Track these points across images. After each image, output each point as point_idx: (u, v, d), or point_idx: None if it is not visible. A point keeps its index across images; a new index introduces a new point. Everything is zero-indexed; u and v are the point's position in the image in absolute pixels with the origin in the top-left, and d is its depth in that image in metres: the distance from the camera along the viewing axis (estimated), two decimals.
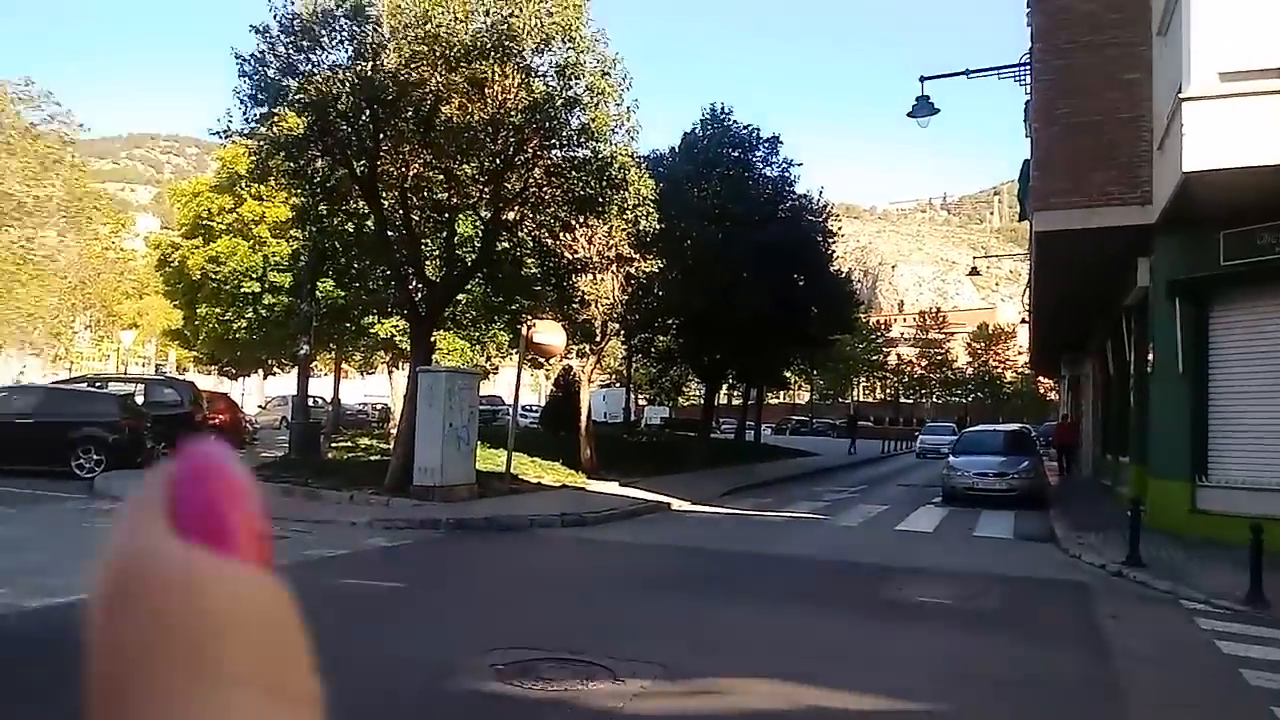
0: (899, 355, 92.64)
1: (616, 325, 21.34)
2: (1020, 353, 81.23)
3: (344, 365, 35.08)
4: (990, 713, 5.29)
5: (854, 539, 13.31)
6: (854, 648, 6.85)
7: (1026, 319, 33.99)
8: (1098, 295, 18.60)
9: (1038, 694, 5.74)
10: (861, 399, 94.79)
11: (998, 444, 20.27)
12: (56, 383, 24.24)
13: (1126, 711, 5.37)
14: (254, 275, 28.17)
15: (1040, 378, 68.11)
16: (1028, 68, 16.85)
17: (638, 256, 19.10)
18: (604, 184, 15.46)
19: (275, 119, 14.45)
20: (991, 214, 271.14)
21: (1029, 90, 16.73)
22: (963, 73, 18.86)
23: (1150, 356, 13.93)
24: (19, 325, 28.62)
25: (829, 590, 9.32)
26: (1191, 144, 10.76)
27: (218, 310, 29.44)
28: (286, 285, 27.70)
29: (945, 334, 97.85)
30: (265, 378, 41.78)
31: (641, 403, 57.70)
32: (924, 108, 17.56)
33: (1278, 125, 10.37)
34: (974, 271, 48.30)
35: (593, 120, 14.89)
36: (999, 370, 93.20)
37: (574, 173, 15.47)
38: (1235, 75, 10.84)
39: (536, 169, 15.25)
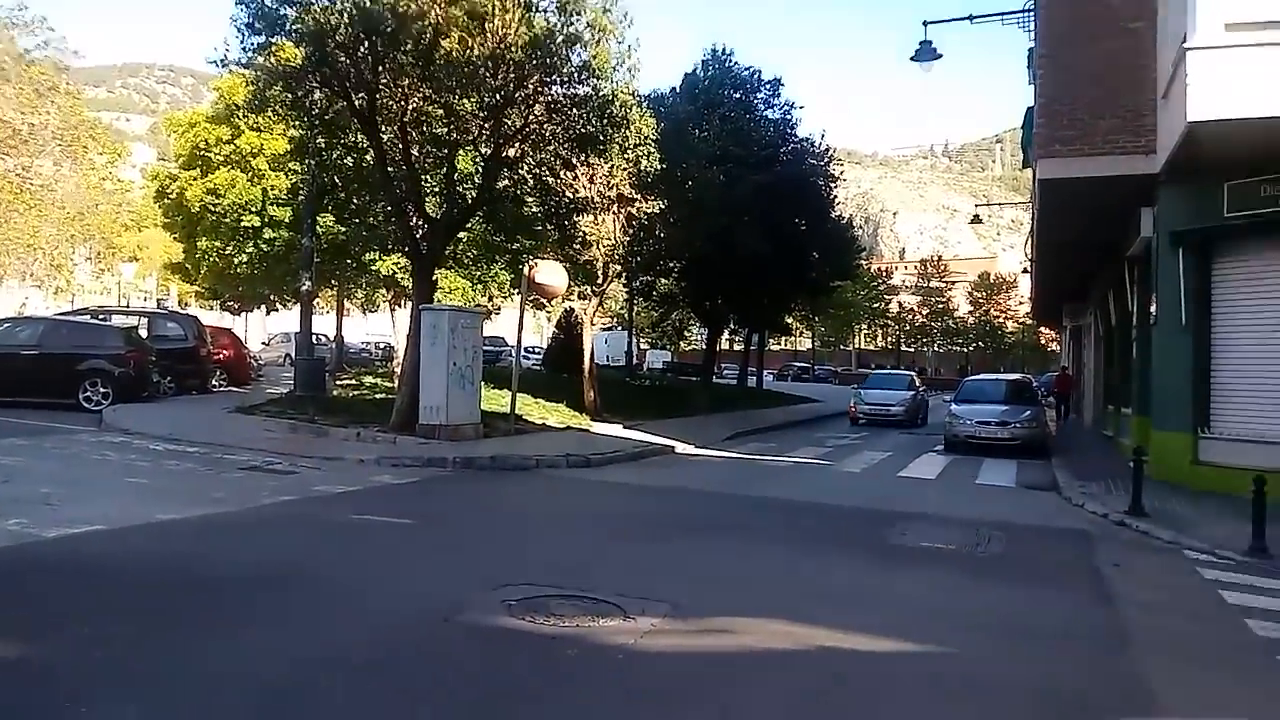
0: (900, 303, 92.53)
1: (618, 267, 21.23)
2: (1022, 302, 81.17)
3: (346, 302, 34.99)
4: (992, 655, 5.35)
5: (857, 484, 13.39)
6: (858, 590, 6.92)
7: (1028, 268, 33.95)
8: (1100, 245, 18.49)
9: (1040, 638, 5.81)
10: (863, 347, 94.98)
11: (1000, 393, 20.38)
12: (60, 314, 24.15)
13: (1130, 657, 5.44)
14: (253, 209, 27.95)
15: (1042, 328, 68.18)
16: (1032, 13, 16.58)
17: (639, 197, 18.92)
18: (605, 122, 15.32)
19: (273, 49, 14.23)
20: (994, 161, 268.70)
21: (1033, 36, 16.48)
22: (966, 17, 18.57)
23: (1153, 308, 13.89)
24: (18, 256, 28.45)
25: (833, 534, 9.39)
26: (1196, 94, 10.61)
27: (218, 244, 29.27)
28: (286, 220, 27.52)
29: (947, 283, 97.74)
30: (268, 314, 41.73)
31: (644, 346, 57.83)
32: (927, 52, 17.34)
33: None
34: (976, 220, 48.09)
35: (594, 57, 14.69)
36: (1000, 320, 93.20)
37: (574, 110, 15.31)
38: (1241, 25, 10.65)
39: (537, 105, 15.07)
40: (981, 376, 28.35)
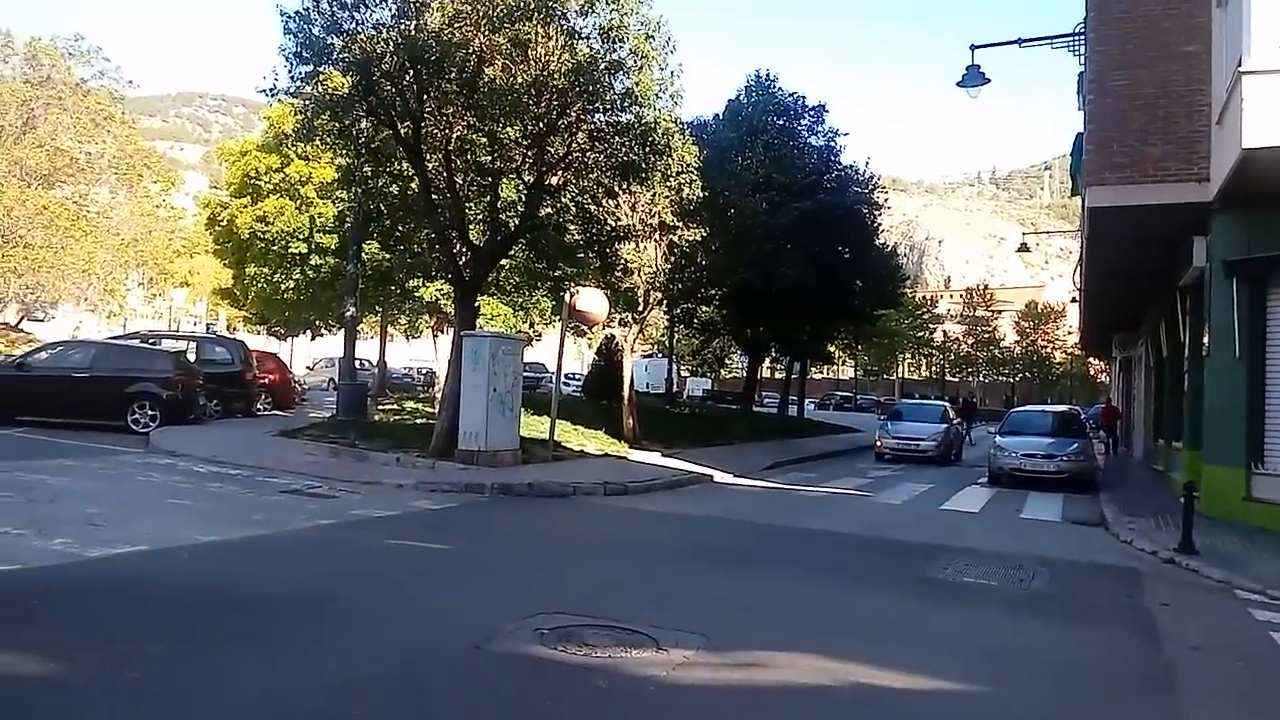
0: (945, 332, 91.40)
1: (659, 294, 21.25)
2: (1070, 332, 79.68)
3: (389, 328, 35.42)
4: (1035, 697, 5.19)
5: (898, 517, 13.18)
6: (897, 626, 6.77)
7: (1077, 298, 33.39)
8: (1151, 274, 18.14)
9: (1085, 680, 5.63)
10: (907, 376, 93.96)
11: (1046, 425, 20.01)
12: (111, 338, 24.73)
13: (1178, 702, 5.25)
14: (301, 236, 28.48)
15: (1091, 359, 66.95)
16: (1082, 37, 16.38)
17: (681, 225, 18.96)
18: (647, 150, 15.33)
19: (320, 78, 14.49)
20: (1042, 189, 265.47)
21: (1083, 61, 16.27)
22: (1014, 41, 18.36)
23: (1205, 339, 13.56)
24: (74, 281, 29.19)
25: (873, 567, 9.24)
26: (1251, 119, 10.40)
27: (266, 270, 29.83)
28: (332, 247, 27.99)
29: (993, 311, 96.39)
30: (313, 339, 42.37)
31: (684, 374, 57.72)
32: (975, 77, 17.13)
33: None
34: (1023, 248, 47.24)
35: (636, 84, 14.76)
36: (1048, 350, 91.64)
37: (617, 138, 15.38)
38: None
39: (580, 133, 15.18)
40: (1027, 408, 27.85)
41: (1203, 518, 11.19)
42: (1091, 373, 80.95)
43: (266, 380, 24.02)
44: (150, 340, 21.81)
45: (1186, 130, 13.14)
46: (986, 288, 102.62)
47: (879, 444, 24.02)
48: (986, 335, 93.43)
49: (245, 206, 29.74)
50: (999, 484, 18.01)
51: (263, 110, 33.71)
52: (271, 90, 14.73)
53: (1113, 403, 35.62)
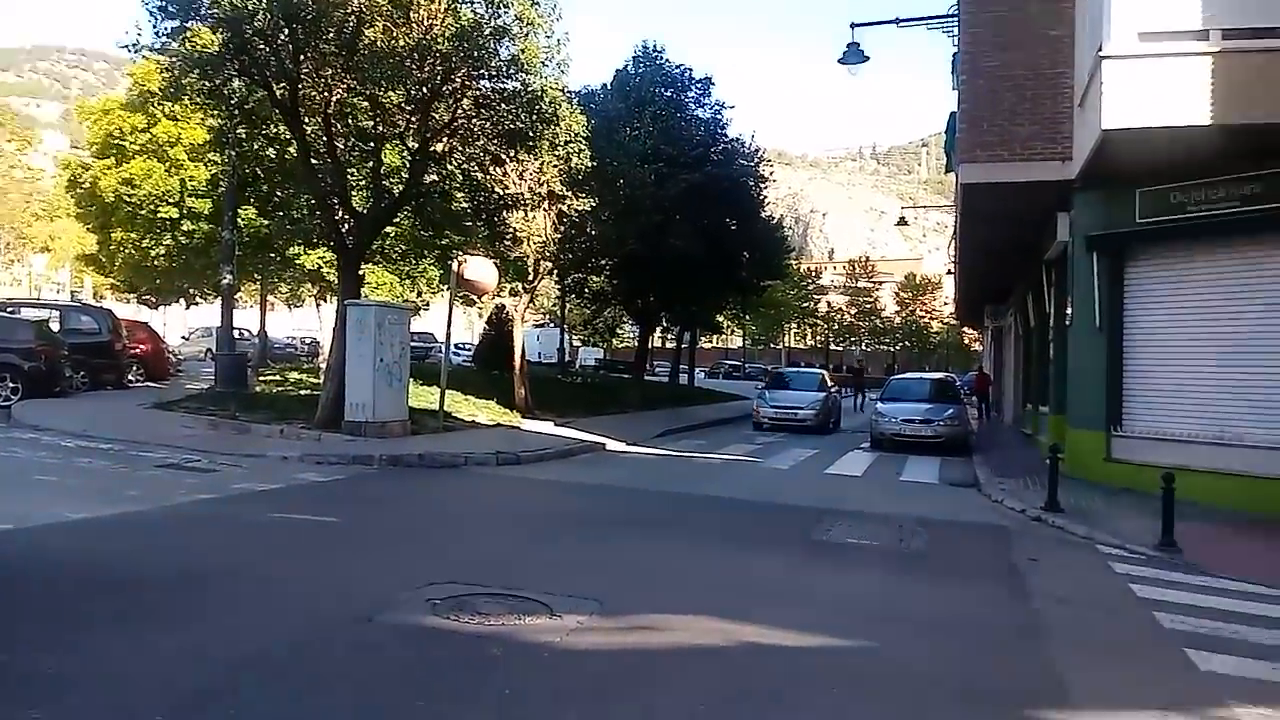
0: (829, 303, 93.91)
1: (549, 264, 21.13)
2: (946, 303, 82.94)
3: (270, 297, 34.20)
4: (914, 649, 5.45)
5: (785, 481, 13.54)
6: (785, 586, 6.99)
7: (952, 270, 34.71)
8: (1020, 248, 19.01)
9: (959, 632, 5.94)
10: (793, 345, 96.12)
11: (924, 392, 20.80)
12: None
13: (1045, 650, 5.59)
14: (171, 200, 27.06)
15: (965, 328, 69.78)
16: (956, 19, 16.93)
17: (570, 194, 18.85)
18: (534, 118, 15.17)
19: (188, 34, 13.79)
20: (920, 165, 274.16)
21: (957, 42, 16.84)
22: (893, 21, 18.89)
23: (1069, 309, 14.33)
24: None
25: (762, 530, 9.48)
26: (1110, 102, 10.96)
27: (134, 236, 28.29)
28: (206, 212, 26.73)
29: (874, 283, 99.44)
30: (188, 307, 40.56)
31: (576, 343, 57.64)
32: (855, 55, 17.54)
33: (1193, 86, 10.60)
34: (902, 222, 48.90)
35: (522, 51, 14.59)
36: (926, 320, 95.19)
37: (503, 105, 15.19)
38: (1154, 35, 11.05)
39: (465, 99, 14.93)
40: (907, 375, 28.86)
41: (1067, 478, 11.88)
42: (966, 342, 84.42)
43: (138, 351, 22.91)
44: (9, 309, 20.48)
45: (1052, 111, 13.76)
46: (868, 260, 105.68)
47: (757, 413, 23.13)
48: (868, 306, 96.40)
49: (109, 168, 28.03)
50: (880, 448, 18.67)
51: (126, 66, 31.83)
52: (135, 46, 13.95)
53: (985, 370, 37.27)
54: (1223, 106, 10.50)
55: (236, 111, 15.69)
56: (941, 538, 9.33)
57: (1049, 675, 5.10)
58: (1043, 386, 18.98)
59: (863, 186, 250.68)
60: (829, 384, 25.71)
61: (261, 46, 13.44)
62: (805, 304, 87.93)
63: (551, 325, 48.94)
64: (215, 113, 16.89)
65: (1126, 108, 10.90)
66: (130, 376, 21.88)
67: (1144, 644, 5.91)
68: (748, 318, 57.40)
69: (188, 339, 40.92)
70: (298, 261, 24.64)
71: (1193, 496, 10.53)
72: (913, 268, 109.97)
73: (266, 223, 23.76)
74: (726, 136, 28.96)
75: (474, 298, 28.98)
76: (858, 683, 4.84)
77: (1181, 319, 12.67)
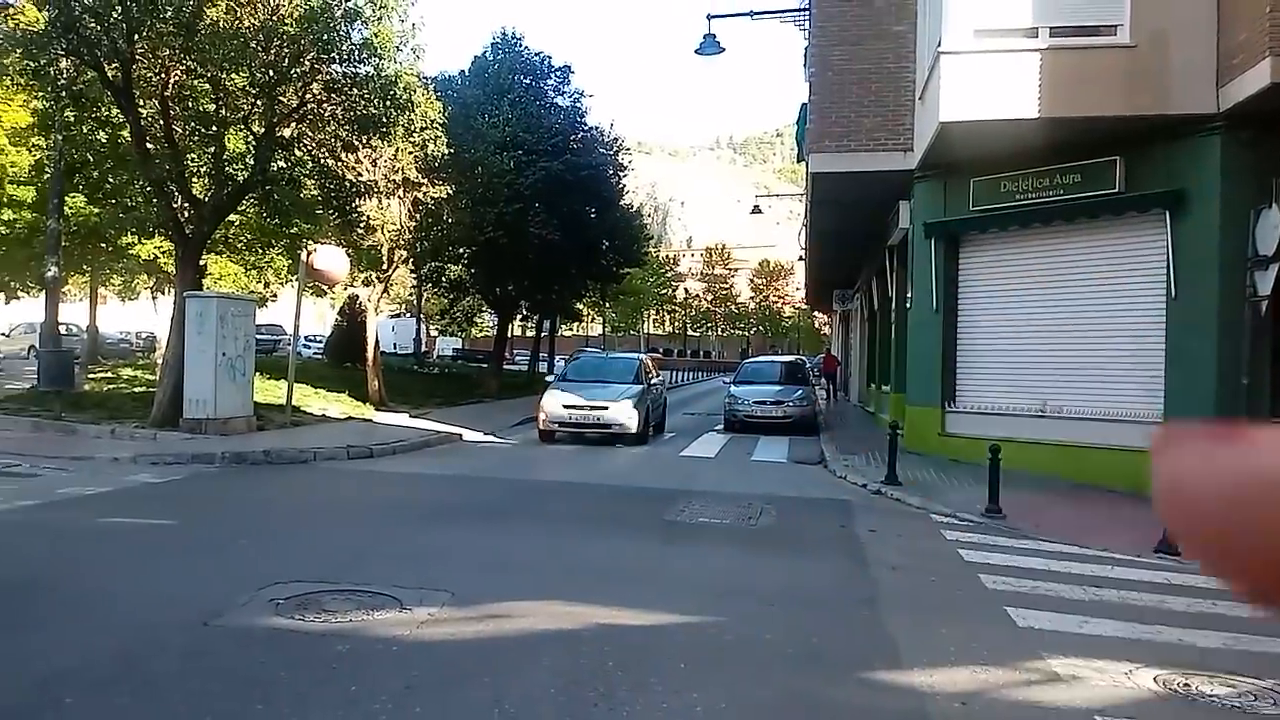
0: (687, 289, 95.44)
1: (405, 253, 20.70)
2: (798, 289, 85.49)
3: (101, 290, 32.10)
4: (757, 621, 5.66)
5: (640, 465, 13.73)
6: (637, 568, 7.12)
7: (803, 256, 35.84)
8: (866, 235, 19.83)
9: (803, 602, 6.20)
10: (652, 331, 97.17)
11: (775, 374, 21.41)
12: None
13: (878, 615, 5.90)
14: None
15: (816, 313, 72.22)
16: (808, 14, 17.48)
17: (426, 182, 18.50)
18: (388, 103, 14.81)
19: (10, 10, 12.82)
20: (774, 154, 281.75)
21: (808, 36, 17.39)
22: (747, 14, 19.31)
23: (909, 293, 15.06)
24: None
25: (615, 514, 9.60)
26: (947, 96, 11.58)
27: None
28: (29, 200, 24.86)
29: (730, 270, 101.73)
30: (7, 302, 37.62)
31: (433, 334, 56.59)
32: (710, 45, 17.86)
33: (1023, 81, 11.30)
34: (756, 210, 50.11)
35: (375, 35, 14.26)
36: (779, 305, 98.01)
37: (355, 90, 14.75)
38: (989, 32, 11.72)
39: (315, 84, 14.42)
40: (759, 359, 29.64)
41: (906, 453, 12.55)
42: (817, 325, 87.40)
43: None
44: None
45: (895, 104, 14.40)
46: (724, 247, 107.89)
47: (542, 418, 16.52)
48: (724, 292, 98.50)
49: None
50: (734, 430, 19.14)
51: None
52: None
53: (833, 353, 38.71)
54: (1050, 101, 11.22)
55: (64, 93, 14.65)
56: (788, 513, 9.68)
57: (883, 638, 5.39)
58: (885, 367, 19.88)
59: (719, 176, 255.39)
60: (650, 374, 19.08)
61: (92, 24, 12.61)
62: (664, 291, 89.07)
63: (407, 315, 47.88)
64: (40, 94, 15.74)
65: (963, 101, 11.52)
66: None
67: (970, 604, 6.31)
68: (607, 305, 57.71)
69: (8, 335, 38.05)
70: (132, 252, 23.22)
71: (1019, 466, 11.31)
72: (767, 254, 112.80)
73: (97, 211, 22.29)
74: (586, 125, 29.02)
75: (325, 288, 28.08)
76: (705, 655, 4.99)
77: (1008, 301, 13.53)
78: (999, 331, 13.61)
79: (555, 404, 16.40)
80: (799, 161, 27.51)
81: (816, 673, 4.86)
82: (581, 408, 16.17)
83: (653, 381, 18.93)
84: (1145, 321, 11.65)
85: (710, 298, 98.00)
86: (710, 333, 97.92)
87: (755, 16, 19.47)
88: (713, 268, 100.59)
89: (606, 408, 16.10)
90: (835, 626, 5.71)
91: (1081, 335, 12.47)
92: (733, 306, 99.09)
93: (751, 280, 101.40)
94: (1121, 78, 11.03)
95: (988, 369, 13.70)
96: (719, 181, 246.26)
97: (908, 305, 15.26)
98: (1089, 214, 12.21)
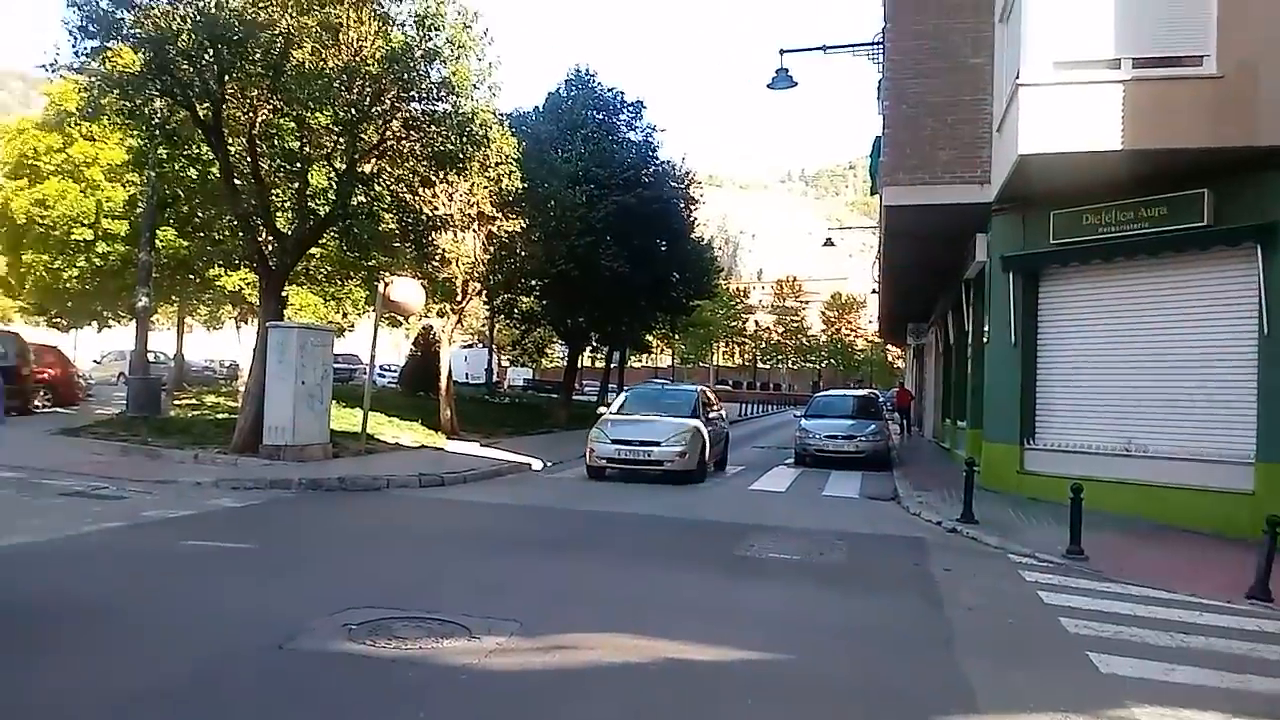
0: (757, 322, 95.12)
1: (478, 285, 21.05)
2: (871, 322, 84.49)
3: (188, 319, 33.32)
4: (828, 660, 5.54)
5: (709, 499, 13.63)
6: (705, 602, 7.04)
7: (877, 289, 35.47)
8: (941, 268, 19.54)
9: (875, 642, 6.06)
10: (721, 363, 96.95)
11: (847, 408, 21.12)
12: None
13: (955, 657, 5.73)
14: (85, 221, 26.31)
15: (889, 346, 71.25)
16: (881, 46, 17.41)
17: (500, 215, 18.84)
18: (465, 140, 15.16)
19: (109, 54, 13.50)
20: (846, 187, 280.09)
21: (882, 69, 17.30)
22: (820, 48, 19.28)
23: (986, 327, 14.76)
24: None
25: (684, 548, 9.53)
26: (1026, 128, 11.38)
27: (45, 258, 27.41)
28: (122, 233, 26.06)
29: (801, 302, 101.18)
30: (100, 330, 39.29)
31: (504, 364, 57.32)
32: (783, 80, 17.88)
33: (1104, 113, 11.05)
34: (829, 243, 49.85)
35: (453, 74, 14.64)
36: (851, 338, 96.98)
37: (433, 127, 15.14)
38: (1068, 64, 11.51)
39: (394, 121, 14.85)
40: (831, 392, 29.29)
41: (983, 490, 12.22)
42: (889, 359, 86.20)
43: (46, 375, 22.09)
44: None
45: (971, 136, 14.23)
46: (795, 280, 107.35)
47: (592, 452, 15.33)
48: (795, 324, 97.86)
49: (21, 189, 27.17)
50: (804, 464, 18.90)
51: (42, 86, 30.84)
52: (53, 66, 13.58)
53: (906, 387, 38.09)
54: (1132, 132, 10.95)
55: (157, 131, 15.35)
56: (860, 550, 9.49)
57: (958, 680, 5.23)
58: (961, 402, 19.47)
59: (791, 208, 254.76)
60: (713, 406, 18.24)
61: (185, 67, 13.19)
62: (734, 323, 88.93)
63: (480, 346, 48.60)
64: (135, 133, 16.51)
65: (1042, 133, 11.31)
66: (37, 402, 21.11)
67: (1049, 648, 6.09)
68: (677, 337, 57.78)
69: (100, 363, 39.65)
70: (218, 283, 24.10)
71: (1101, 506, 10.93)
72: (838, 287, 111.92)
73: (186, 244, 23.25)
74: (657, 159, 29.29)
75: (400, 319, 28.68)
76: (773, 692, 4.90)
77: (1090, 336, 13.15)
78: (1081, 367, 13.24)
79: (604, 440, 15.25)
80: (873, 194, 27.30)
81: (887, 714, 4.73)
82: (631, 443, 14.96)
83: (712, 415, 17.60)
84: (1235, 358, 11.21)
85: (781, 330, 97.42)
86: (780, 365, 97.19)
87: (828, 51, 19.46)
88: (783, 300, 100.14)
89: (658, 443, 14.89)
90: (908, 667, 5.56)
91: (1168, 372, 12.05)
92: (804, 339, 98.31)
93: (823, 313, 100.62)
94: (1207, 109, 10.73)
95: (1069, 406, 13.32)
96: (790, 214, 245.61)
97: (985, 339, 14.95)
98: (1175, 248, 11.83)
